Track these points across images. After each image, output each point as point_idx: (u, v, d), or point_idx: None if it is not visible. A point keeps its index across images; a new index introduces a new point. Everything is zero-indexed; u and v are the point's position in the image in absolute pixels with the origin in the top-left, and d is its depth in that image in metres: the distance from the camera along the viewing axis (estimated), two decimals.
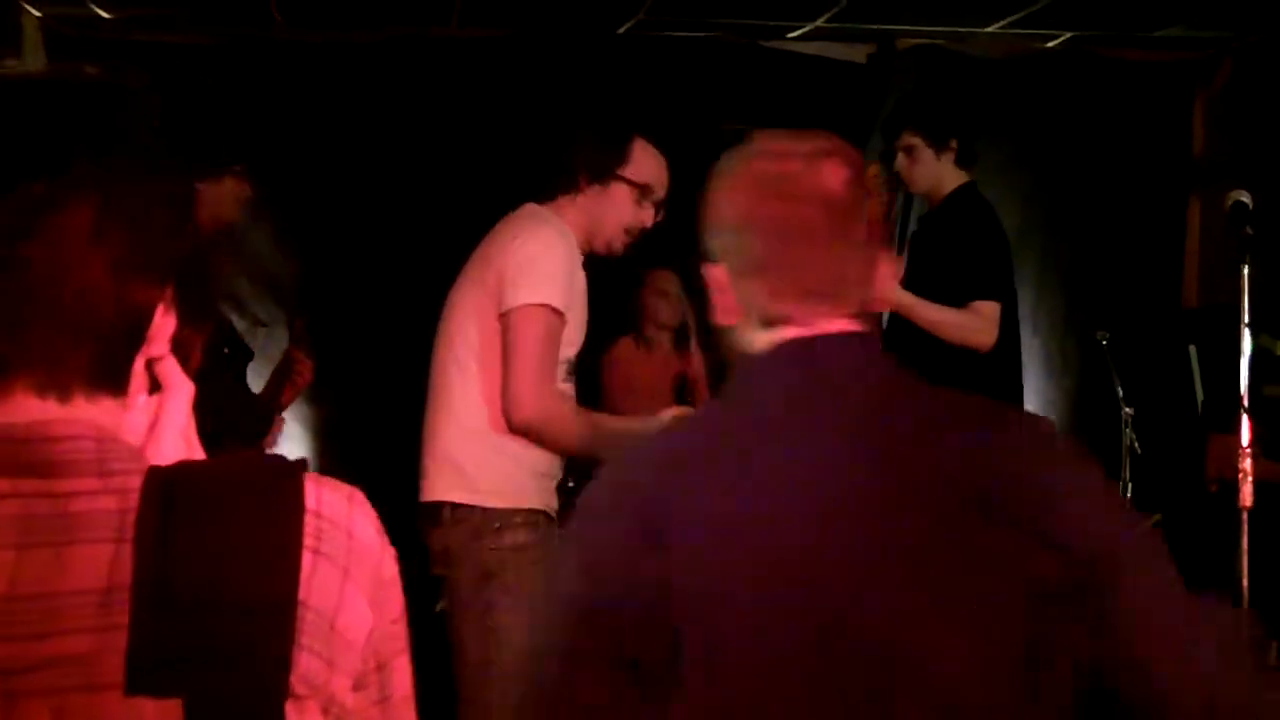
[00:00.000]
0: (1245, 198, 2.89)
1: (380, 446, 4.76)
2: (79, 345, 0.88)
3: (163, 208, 0.92)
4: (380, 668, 0.96)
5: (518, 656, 2.90)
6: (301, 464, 0.93)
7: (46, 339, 0.88)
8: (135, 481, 0.88)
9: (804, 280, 1.40)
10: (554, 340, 2.92)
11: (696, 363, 5.15)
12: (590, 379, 3.70)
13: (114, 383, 0.92)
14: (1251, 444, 2.85)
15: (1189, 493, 4.16)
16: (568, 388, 3.07)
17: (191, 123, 2.67)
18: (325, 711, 0.90)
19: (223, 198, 2.85)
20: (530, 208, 3.08)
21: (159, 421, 0.95)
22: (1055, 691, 1.28)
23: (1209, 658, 1.31)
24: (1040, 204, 5.49)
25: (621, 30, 5.18)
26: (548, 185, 3.09)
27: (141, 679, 0.83)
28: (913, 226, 4.32)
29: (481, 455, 2.96)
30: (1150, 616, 1.30)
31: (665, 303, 5.08)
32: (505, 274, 2.92)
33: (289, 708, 0.87)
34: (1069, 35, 5.39)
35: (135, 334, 0.92)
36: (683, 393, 4.98)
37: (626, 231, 3.10)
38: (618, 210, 3.07)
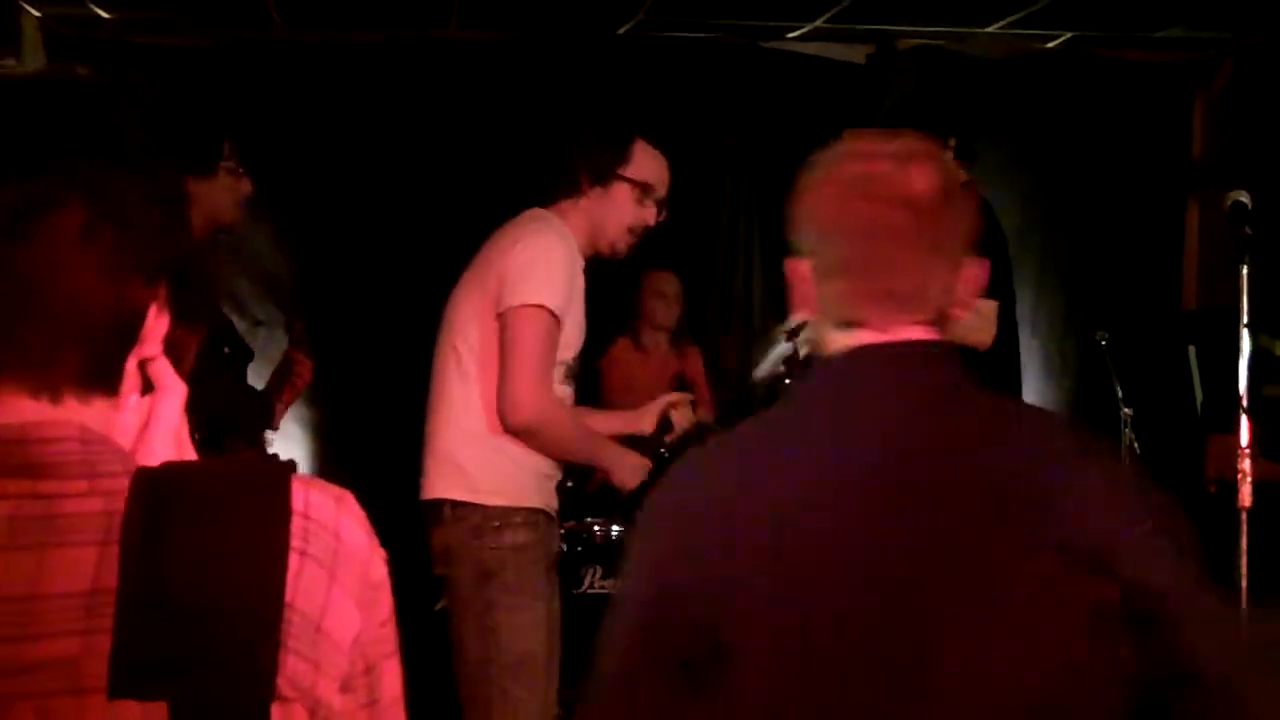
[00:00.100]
0: (1244, 198, 2.89)
1: (380, 447, 4.76)
2: (70, 346, 0.88)
3: (154, 208, 0.92)
4: (368, 670, 0.96)
5: (519, 658, 2.92)
6: (290, 466, 0.92)
7: (37, 340, 0.87)
8: (123, 483, 0.87)
9: (883, 284, 1.39)
10: (552, 341, 2.92)
11: (695, 362, 5.16)
12: (588, 380, 3.71)
13: (106, 384, 0.91)
14: (1251, 444, 2.84)
15: (1188, 493, 4.15)
16: (567, 391, 3.07)
17: (180, 120, 2.67)
18: (312, 714, 0.89)
19: (218, 196, 2.84)
20: (533, 211, 3.09)
21: (151, 423, 0.94)
22: (1092, 711, 1.28)
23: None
24: (1040, 204, 5.49)
25: (621, 31, 5.18)
26: (549, 189, 3.10)
27: (126, 682, 0.83)
28: None
29: (481, 455, 2.96)
30: (1207, 642, 1.31)
31: (663, 304, 5.08)
32: (505, 276, 2.92)
33: (275, 710, 0.86)
34: (1069, 35, 5.38)
35: (127, 335, 0.92)
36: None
37: (630, 231, 3.10)
38: (620, 210, 3.07)
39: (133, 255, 0.90)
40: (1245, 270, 2.81)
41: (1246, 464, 2.82)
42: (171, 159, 0.96)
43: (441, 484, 3.00)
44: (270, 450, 3.39)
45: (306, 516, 0.91)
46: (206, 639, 0.84)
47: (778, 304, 5.63)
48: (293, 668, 0.88)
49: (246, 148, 2.94)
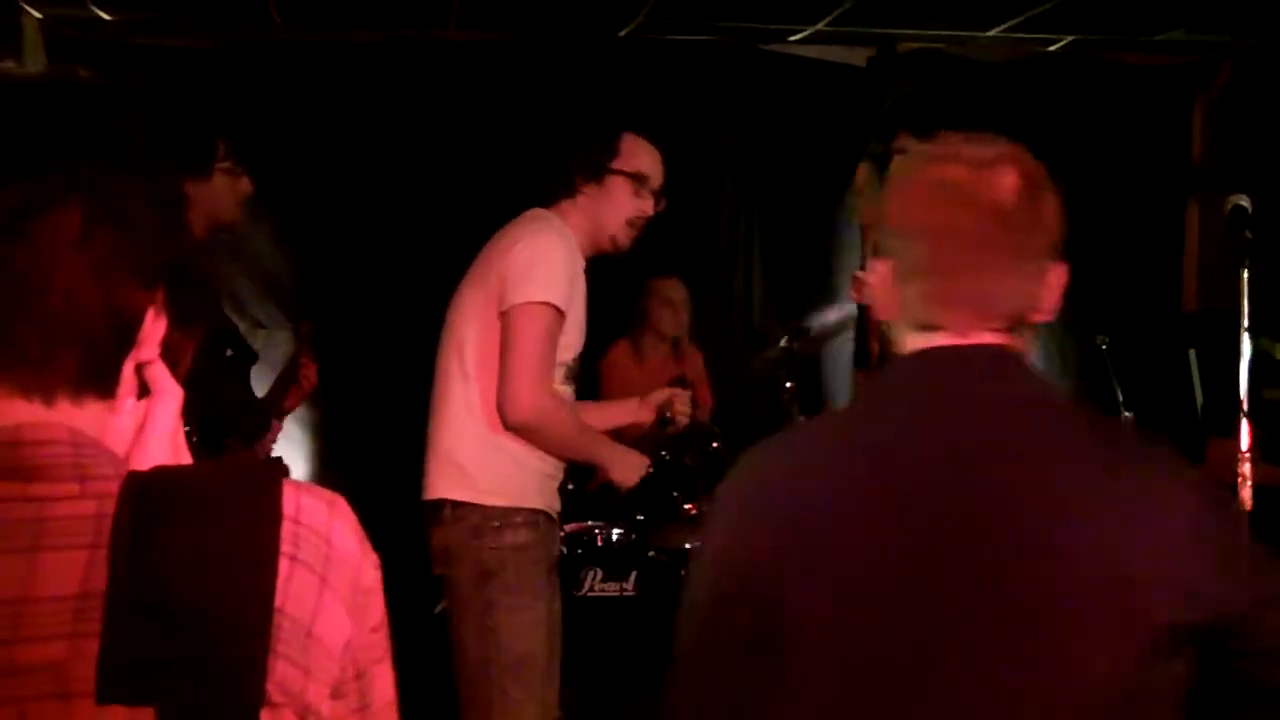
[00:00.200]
0: (1244, 202, 2.88)
1: (380, 448, 4.76)
2: (66, 348, 0.88)
3: (152, 210, 0.91)
4: (359, 676, 0.95)
5: (519, 659, 2.92)
6: (282, 470, 0.92)
7: (33, 341, 0.87)
8: (114, 487, 0.87)
9: (961, 289, 1.40)
10: (553, 339, 2.93)
11: (696, 363, 5.15)
12: (587, 381, 3.71)
13: (101, 386, 0.91)
14: (1251, 448, 2.83)
15: None
16: (567, 391, 3.07)
17: (176, 121, 2.66)
18: (301, 719, 0.89)
19: (216, 197, 2.84)
20: (533, 212, 3.11)
21: (146, 426, 0.94)
22: None
23: None
24: None
25: (622, 33, 5.18)
26: (547, 190, 3.11)
27: (113, 687, 0.82)
28: None
29: (482, 455, 2.97)
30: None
31: (670, 311, 5.07)
32: (507, 275, 2.93)
33: (264, 716, 0.86)
34: (1070, 39, 5.38)
35: (124, 337, 0.91)
36: None
37: (629, 224, 3.13)
38: (617, 204, 3.10)
39: (131, 257, 0.90)
40: (1245, 274, 2.80)
41: (1247, 468, 2.81)
42: (172, 161, 0.96)
43: (443, 484, 3.00)
44: (273, 454, 3.40)
45: (297, 521, 0.91)
46: (195, 644, 0.83)
47: (778, 304, 5.63)
48: (282, 673, 0.87)
49: (247, 148, 2.94)
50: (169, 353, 0.95)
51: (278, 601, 0.87)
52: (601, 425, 3.25)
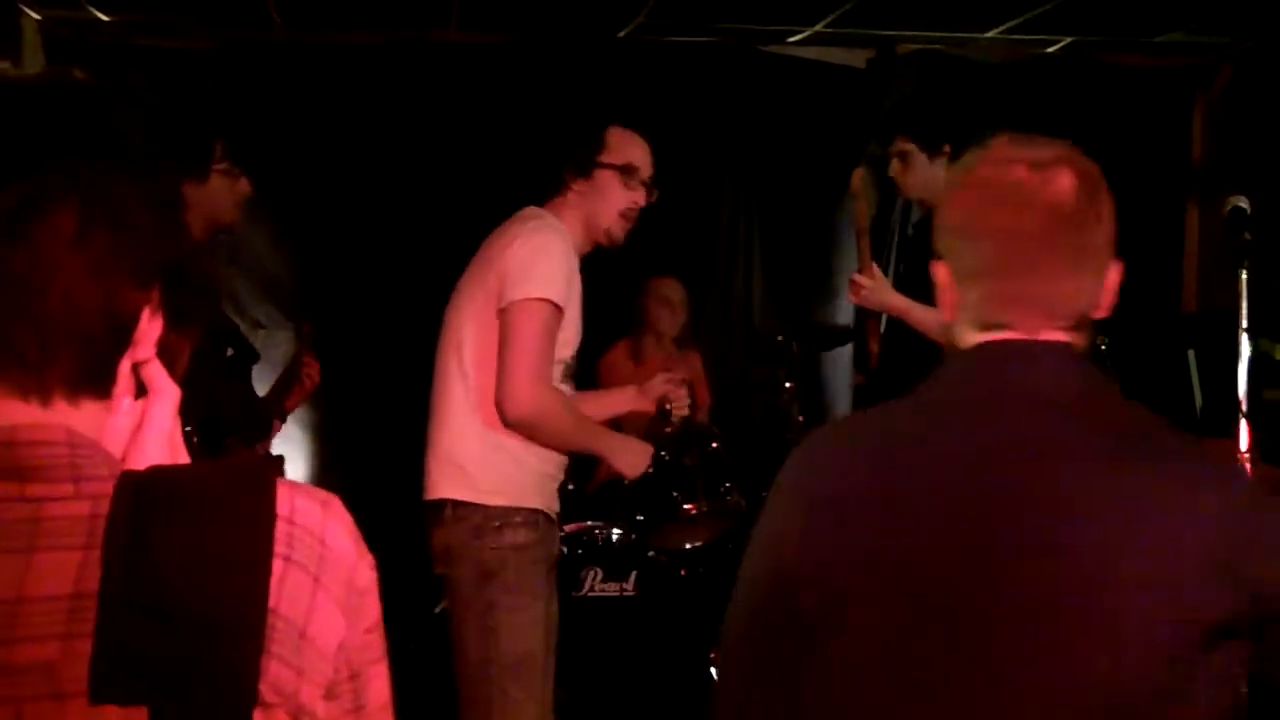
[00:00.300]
0: (1244, 203, 2.88)
1: (380, 448, 4.77)
2: (63, 349, 0.88)
3: (148, 210, 0.92)
4: (354, 676, 0.95)
5: (520, 658, 2.91)
6: (277, 469, 0.92)
7: (30, 342, 0.87)
8: (108, 487, 0.87)
9: (1020, 290, 1.41)
10: (551, 335, 2.94)
11: (695, 362, 5.15)
12: (586, 381, 3.71)
13: (98, 387, 0.91)
14: (1250, 449, 2.84)
15: None
16: (566, 389, 3.08)
17: (174, 122, 2.66)
18: (295, 719, 0.89)
19: (214, 198, 2.83)
20: (529, 210, 3.12)
21: (143, 426, 0.94)
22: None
23: None
24: None
25: (621, 34, 5.18)
26: (542, 189, 3.13)
27: (106, 687, 0.82)
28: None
29: (482, 454, 2.97)
30: None
31: (668, 311, 5.06)
32: (506, 272, 2.94)
33: (257, 716, 0.86)
34: (1069, 40, 5.38)
35: (120, 337, 0.91)
36: None
37: (623, 216, 3.13)
38: (608, 198, 3.11)
39: (129, 258, 0.90)
40: (1244, 275, 2.80)
41: (1247, 468, 2.82)
42: (170, 162, 0.96)
43: (444, 484, 3.00)
44: (274, 453, 3.40)
45: (291, 522, 0.91)
46: (188, 644, 0.83)
47: (778, 304, 5.63)
48: (275, 673, 0.87)
49: (246, 149, 2.94)
50: (165, 352, 0.95)
51: (271, 602, 0.88)
52: (600, 415, 3.26)
